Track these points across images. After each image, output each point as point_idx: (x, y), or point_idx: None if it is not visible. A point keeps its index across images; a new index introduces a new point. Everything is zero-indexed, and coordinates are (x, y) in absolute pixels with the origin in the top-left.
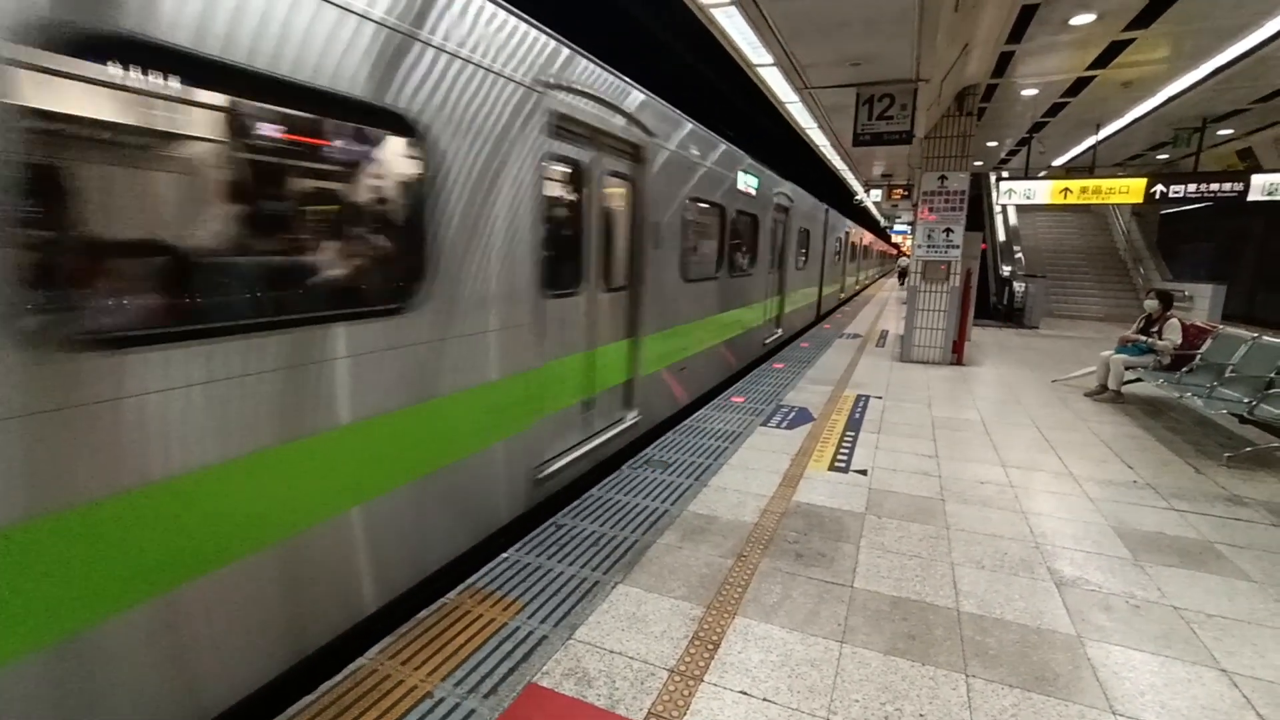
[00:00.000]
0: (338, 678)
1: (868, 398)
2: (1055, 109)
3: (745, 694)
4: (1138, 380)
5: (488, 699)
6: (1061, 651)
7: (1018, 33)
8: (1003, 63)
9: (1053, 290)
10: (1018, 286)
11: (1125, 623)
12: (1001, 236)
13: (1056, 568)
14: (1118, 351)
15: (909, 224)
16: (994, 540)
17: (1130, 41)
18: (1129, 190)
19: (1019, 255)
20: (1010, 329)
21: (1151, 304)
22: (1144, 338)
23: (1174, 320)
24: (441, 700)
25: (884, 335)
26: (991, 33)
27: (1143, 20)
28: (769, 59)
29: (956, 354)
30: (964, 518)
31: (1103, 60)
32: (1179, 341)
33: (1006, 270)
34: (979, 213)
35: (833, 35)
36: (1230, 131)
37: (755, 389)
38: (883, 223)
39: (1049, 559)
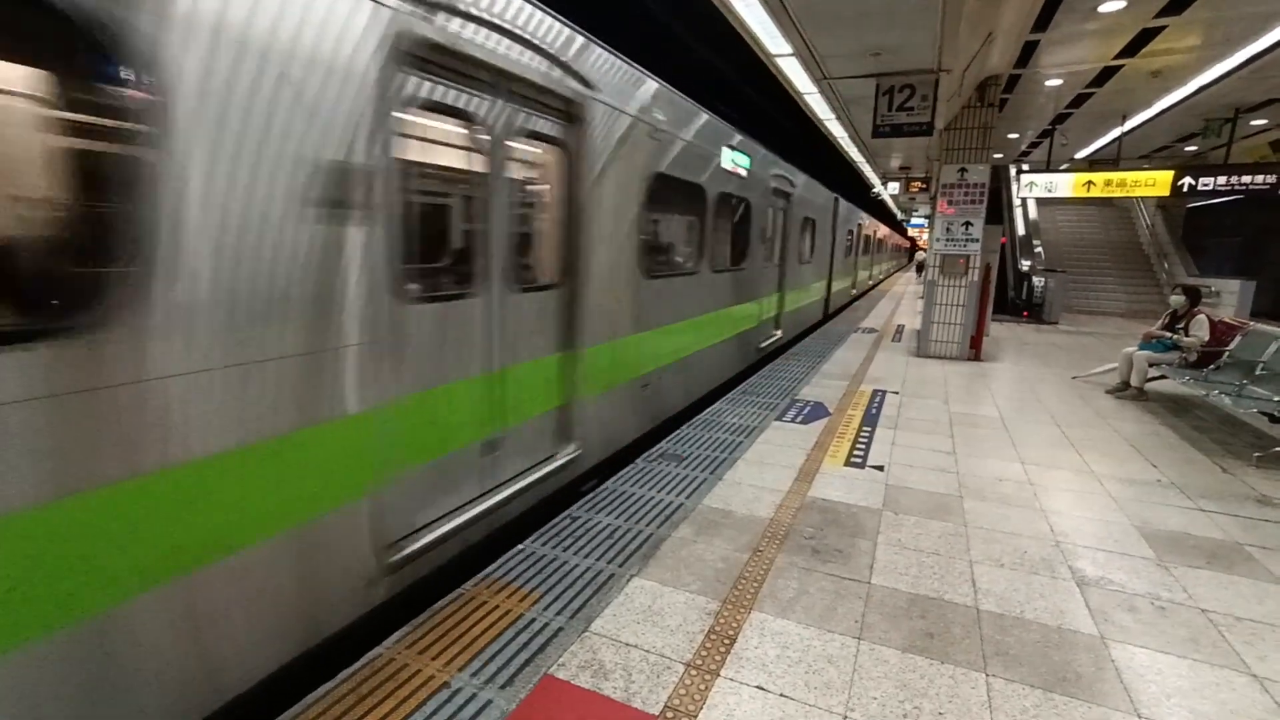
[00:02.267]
0: (355, 666)
1: (884, 393)
2: (1080, 100)
3: (762, 689)
4: (1161, 378)
5: (504, 690)
6: (1084, 652)
7: (1043, 21)
8: (1027, 52)
9: (1073, 285)
10: (1037, 281)
11: (1150, 624)
12: (1021, 230)
13: (1078, 567)
14: (1141, 348)
15: (926, 217)
16: (1013, 538)
17: (1161, 29)
18: (1155, 183)
19: (1038, 249)
20: (1029, 324)
21: (1178, 299)
22: (1169, 334)
23: (1201, 316)
24: (458, 690)
25: (900, 330)
26: (1016, 21)
27: (1175, 7)
28: (788, 49)
29: (974, 349)
30: (982, 515)
31: (1131, 49)
32: (1206, 338)
33: (1025, 265)
34: (998, 206)
35: (854, 25)
36: (1264, 122)
37: (769, 384)
38: (899, 215)
39: (1070, 558)
